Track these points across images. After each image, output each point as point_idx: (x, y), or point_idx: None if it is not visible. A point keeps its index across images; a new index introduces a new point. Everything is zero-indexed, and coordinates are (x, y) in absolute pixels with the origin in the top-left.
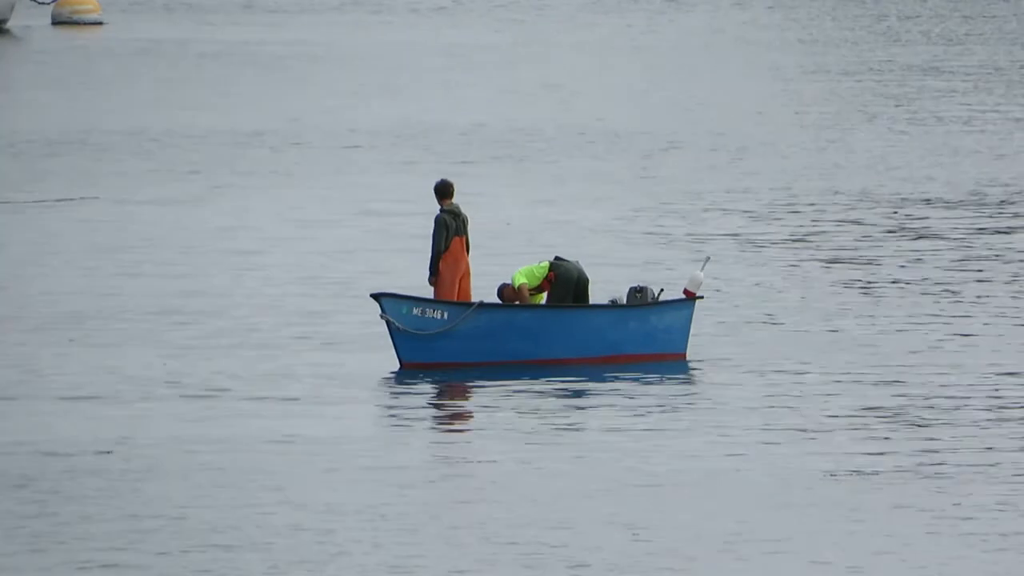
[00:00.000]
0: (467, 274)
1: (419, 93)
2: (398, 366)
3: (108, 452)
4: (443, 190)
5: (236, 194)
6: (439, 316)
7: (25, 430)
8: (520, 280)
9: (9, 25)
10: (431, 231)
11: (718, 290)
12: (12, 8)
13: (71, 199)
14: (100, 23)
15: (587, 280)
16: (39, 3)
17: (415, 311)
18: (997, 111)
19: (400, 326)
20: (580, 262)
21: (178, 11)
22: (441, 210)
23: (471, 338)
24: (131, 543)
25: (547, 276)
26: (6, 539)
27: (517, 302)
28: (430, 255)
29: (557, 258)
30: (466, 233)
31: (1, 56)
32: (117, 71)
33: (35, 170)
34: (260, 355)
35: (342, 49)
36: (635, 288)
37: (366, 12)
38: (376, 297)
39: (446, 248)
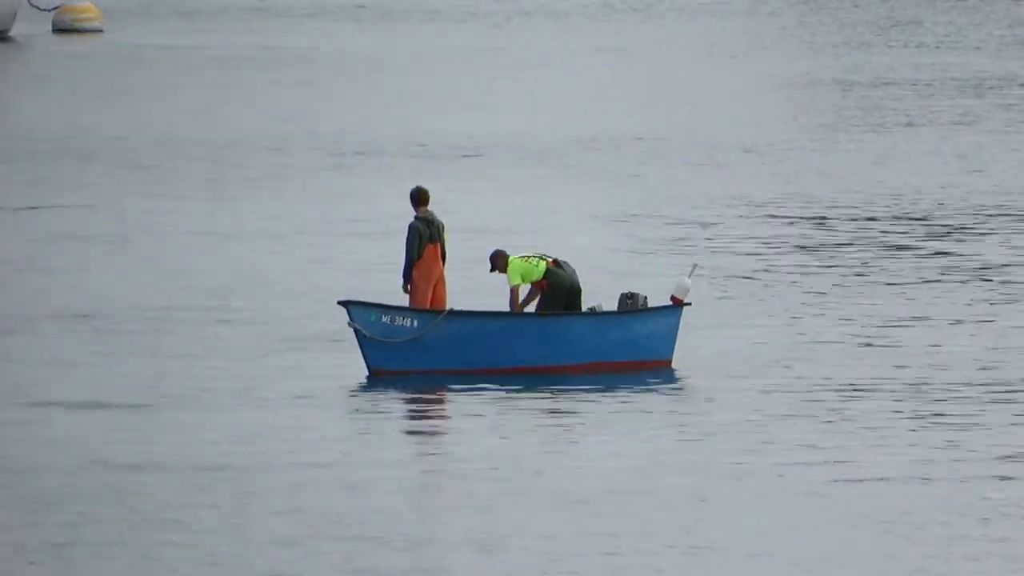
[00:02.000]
0: (441, 281)
1: (409, 101)
2: (367, 374)
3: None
4: (418, 197)
5: (224, 201)
6: (408, 324)
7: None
8: (516, 280)
9: (11, 33)
10: (405, 239)
11: (712, 292)
12: (14, 16)
13: (66, 206)
14: (100, 31)
15: (579, 289)
16: (40, 10)
17: (384, 319)
18: (980, 118)
19: (368, 334)
20: (574, 267)
21: (179, 19)
22: (416, 217)
23: (441, 346)
24: (103, 551)
25: (541, 282)
26: None
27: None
28: (403, 262)
29: (555, 263)
30: (441, 240)
31: (3, 64)
32: (117, 78)
33: (31, 176)
34: (229, 363)
35: (343, 54)
36: (626, 295)
37: (374, 18)
38: (344, 304)
39: (419, 256)
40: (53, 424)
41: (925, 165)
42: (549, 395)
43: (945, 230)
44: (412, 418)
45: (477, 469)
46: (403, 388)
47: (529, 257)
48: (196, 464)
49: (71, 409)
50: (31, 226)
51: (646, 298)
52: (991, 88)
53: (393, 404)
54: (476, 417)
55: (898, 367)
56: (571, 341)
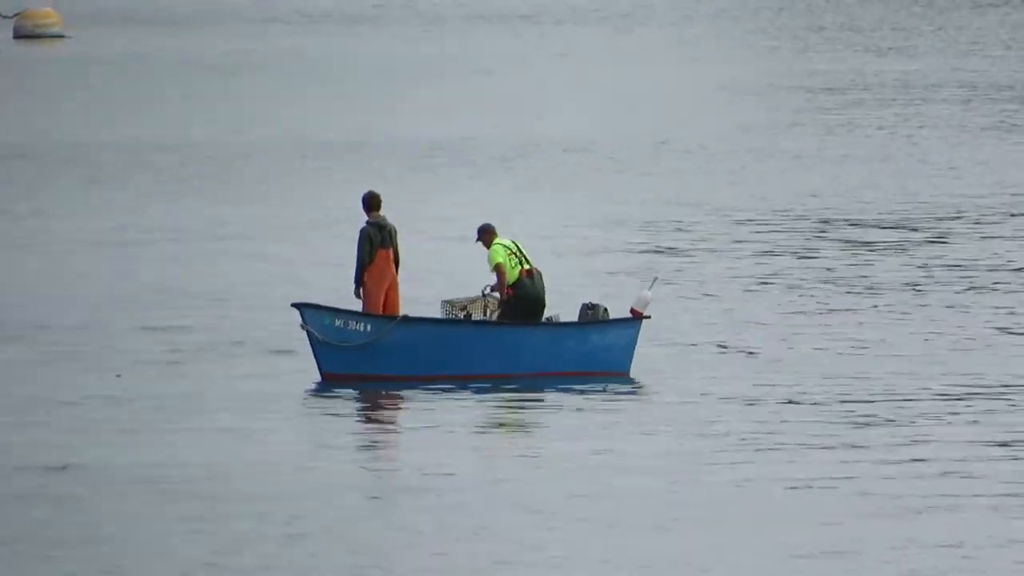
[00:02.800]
0: (394, 286)
1: (375, 105)
2: (318, 378)
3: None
4: (369, 201)
5: (179, 204)
6: (362, 328)
7: None
8: (499, 259)
9: None
10: (356, 244)
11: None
12: None
13: (15, 212)
14: (62, 36)
15: (543, 304)
16: (4, 18)
17: (337, 323)
18: (952, 124)
19: (320, 337)
20: (543, 280)
21: (140, 25)
22: (367, 222)
23: (394, 352)
24: (43, 556)
25: (509, 288)
26: None
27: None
28: (355, 267)
29: (529, 272)
30: (394, 245)
31: None
32: (77, 84)
33: None
34: (177, 368)
35: (306, 60)
36: (587, 305)
37: (337, 24)
38: (297, 307)
39: (371, 260)
40: (5, 430)
41: (888, 170)
42: (504, 403)
43: (909, 234)
44: (364, 424)
45: (430, 476)
46: (355, 393)
47: (512, 253)
48: (146, 470)
49: (18, 416)
50: None
51: (606, 309)
52: (950, 92)
53: (344, 409)
54: (429, 423)
55: (863, 373)
56: (527, 351)
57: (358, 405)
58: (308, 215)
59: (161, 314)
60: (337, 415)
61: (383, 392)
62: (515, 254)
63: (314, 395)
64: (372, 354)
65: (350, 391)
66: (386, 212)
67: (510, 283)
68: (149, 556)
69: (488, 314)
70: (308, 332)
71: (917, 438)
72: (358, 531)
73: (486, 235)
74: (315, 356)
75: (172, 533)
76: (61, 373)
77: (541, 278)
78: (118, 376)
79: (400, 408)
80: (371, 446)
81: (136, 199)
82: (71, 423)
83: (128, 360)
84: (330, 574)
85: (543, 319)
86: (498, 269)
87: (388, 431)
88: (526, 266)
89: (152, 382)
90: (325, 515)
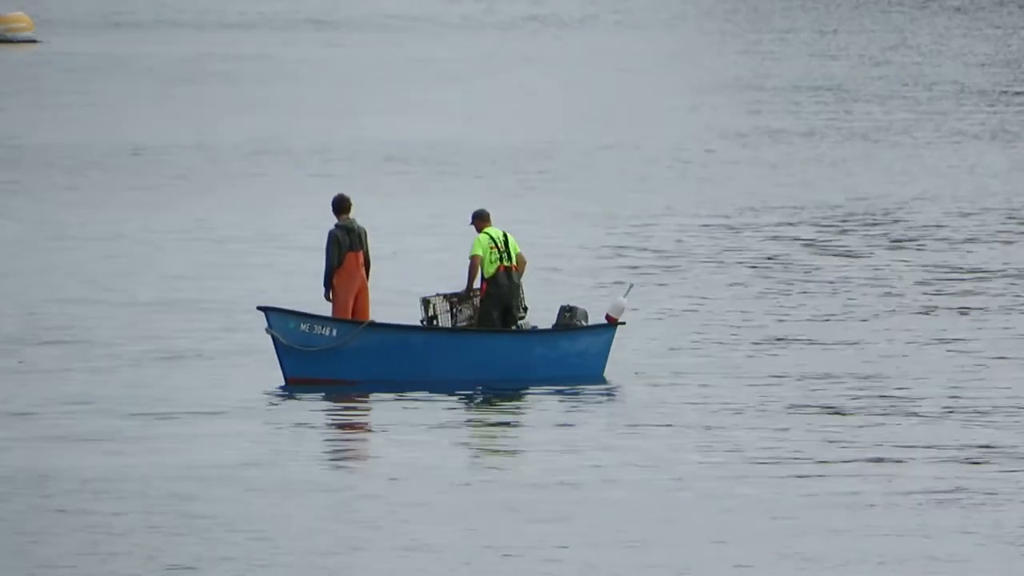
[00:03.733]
0: (364, 290)
1: (357, 109)
2: (282, 383)
3: None
4: (338, 204)
5: (144, 208)
6: (328, 333)
7: None
8: (478, 251)
9: None
10: (324, 247)
11: (637, 309)
12: None
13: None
14: (34, 41)
15: (519, 295)
16: None
17: (303, 327)
18: (930, 126)
19: (284, 341)
20: (520, 274)
21: (111, 29)
22: (336, 225)
23: (360, 357)
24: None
25: (483, 283)
26: None
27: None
28: (324, 271)
29: (507, 270)
30: (364, 248)
31: None
32: (48, 88)
33: None
34: (142, 373)
35: (280, 63)
36: (565, 307)
37: (312, 28)
38: (263, 310)
39: (339, 264)
40: None
41: (864, 172)
42: (472, 408)
43: (888, 236)
44: (328, 428)
45: (395, 480)
46: (319, 397)
47: (495, 247)
48: (108, 476)
49: None
50: None
51: (586, 312)
52: (928, 95)
53: (307, 414)
54: (395, 428)
55: (845, 376)
56: (495, 357)
57: (322, 409)
58: (278, 219)
59: (124, 317)
60: (300, 420)
61: (348, 396)
62: (497, 248)
63: (277, 399)
64: (337, 359)
65: (314, 395)
66: (356, 215)
67: (486, 276)
68: (113, 561)
69: (457, 311)
70: (273, 336)
71: (893, 439)
72: (322, 536)
73: (478, 221)
74: (279, 360)
75: (134, 538)
76: (23, 379)
77: (519, 276)
78: (20, 362)
79: (365, 413)
80: (335, 450)
81: (105, 203)
82: (32, 429)
83: (92, 365)
84: None
85: (518, 320)
86: (472, 260)
87: (353, 436)
88: (505, 263)
89: (116, 386)
90: (288, 519)
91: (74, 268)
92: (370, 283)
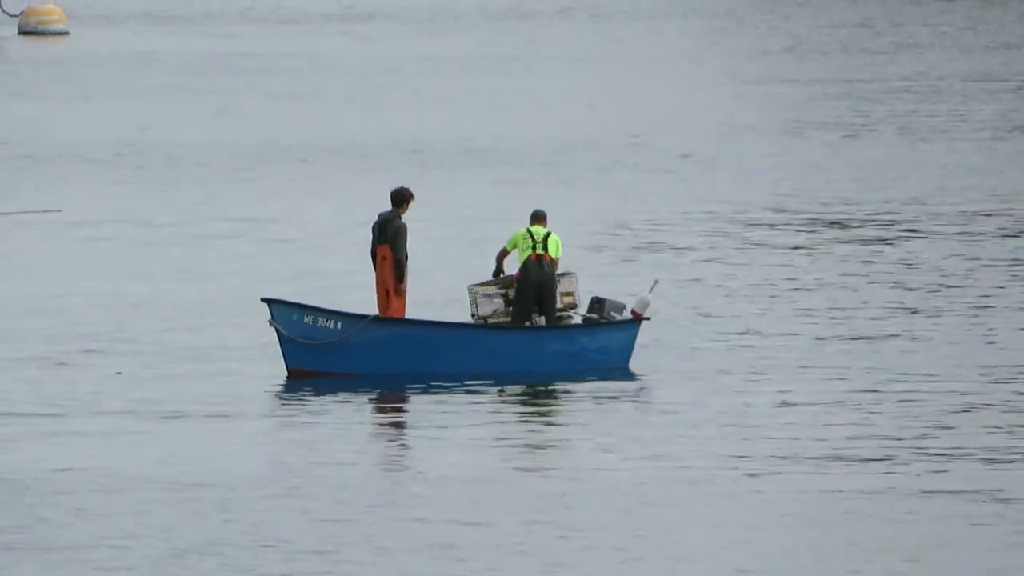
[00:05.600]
0: (389, 288)
1: (373, 105)
2: (285, 375)
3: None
4: (391, 196)
5: (173, 201)
6: (331, 326)
7: None
8: (509, 245)
9: None
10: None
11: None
12: None
13: (34, 211)
14: (66, 33)
15: (551, 284)
16: (7, 14)
17: (306, 319)
18: (947, 120)
19: (286, 333)
20: (553, 264)
21: (143, 22)
22: (379, 215)
23: (365, 350)
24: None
25: (517, 272)
26: None
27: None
28: (396, 262)
29: (538, 256)
30: (390, 243)
31: None
32: (80, 82)
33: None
34: (146, 365)
35: (315, 59)
36: (595, 299)
37: (348, 23)
38: (267, 302)
39: (373, 254)
40: None
41: (881, 170)
42: (482, 403)
43: (901, 233)
44: (331, 421)
45: (403, 472)
46: (322, 390)
47: (529, 237)
48: (112, 472)
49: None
50: None
51: (622, 305)
52: (945, 92)
53: (313, 410)
54: (402, 421)
55: (858, 370)
56: (506, 353)
57: (325, 402)
58: (305, 214)
59: (131, 312)
60: (304, 415)
61: (353, 391)
62: (532, 239)
63: (280, 392)
64: (341, 352)
65: (318, 389)
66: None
67: (520, 265)
68: (113, 557)
69: (495, 297)
70: (276, 328)
71: (924, 434)
72: (325, 528)
73: (532, 219)
74: (282, 352)
75: (139, 533)
76: (25, 376)
77: (552, 266)
78: (118, 373)
79: (372, 408)
80: (340, 443)
81: (134, 195)
82: (37, 427)
83: (97, 361)
84: (298, 572)
85: (555, 309)
86: (501, 250)
87: (362, 432)
88: (538, 251)
89: (118, 381)
90: (291, 511)
91: (88, 259)
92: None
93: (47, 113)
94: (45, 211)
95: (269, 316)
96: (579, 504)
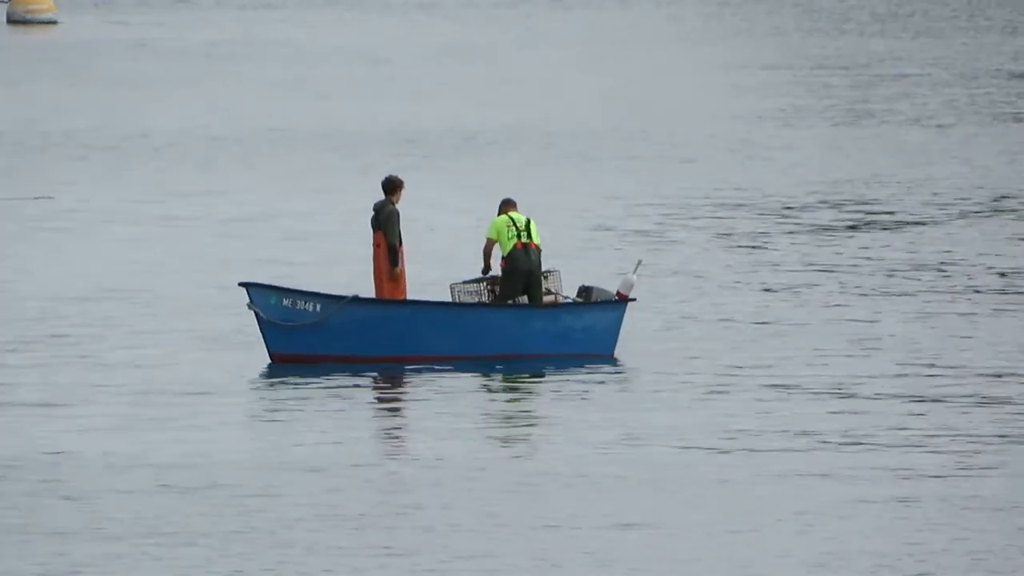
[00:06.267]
0: (382, 274)
1: (366, 94)
2: (268, 359)
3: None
4: (382, 184)
5: (155, 190)
6: (310, 308)
7: None
8: (491, 234)
9: None
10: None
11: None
12: None
13: (26, 198)
14: (54, 22)
15: (537, 275)
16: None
17: (284, 302)
18: (943, 108)
19: (265, 316)
20: (539, 252)
21: (132, 10)
22: (392, 203)
23: (347, 332)
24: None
25: (503, 259)
26: None
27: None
28: (388, 248)
29: (523, 245)
30: (383, 230)
31: None
32: (69, 69)
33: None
34: (127, 351)
35: (303, 47)
36: (583, 287)
37: (339, 8)
38: (244, 286)
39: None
40: None
41: (878, 157)
42: (470, 383)
43: (895, 222)
44: (314, 405)
45: (386, 457)
46: (305, 374)
47: (512, 225)
48: (96, 459)
49: None
50: None
51: (610, 294)
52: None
53: (292, 391)
54: (386, 404)
55: (854, 356)
56: (488, 333)
57: (308, 385)
58: (293, 202)
59: (109, 298)
60: (285, 396)
61: (336, 374)
62: (516, 226)
63: (262, 377)
64: (323, 334)
65: (300, 373)
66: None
67: (504, 255)
68: (98, 541)
69: (481, 295)
70: (255, 312)
71: (903, 422)
72: (311, 512)
73: (502, 207)
74: (263, 337)
75: (123, 518)
76: (7, 363)
77: (539, 254)
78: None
79: (354, 388)
80: (324, 427)
81: (123, 182)
82: (21, 413)
83: (78, 347)
84: (283, 559)
85: (541, 298)
86: (486, 244)
87: (343, 412)
88: (523, 239)
89: (100, 367)
90: (276, 495)
91: (86, 253)
92: (407, 268)
93: (37, 101)
94: (36, 198)
95: (247, 300)
96: (566, 487)
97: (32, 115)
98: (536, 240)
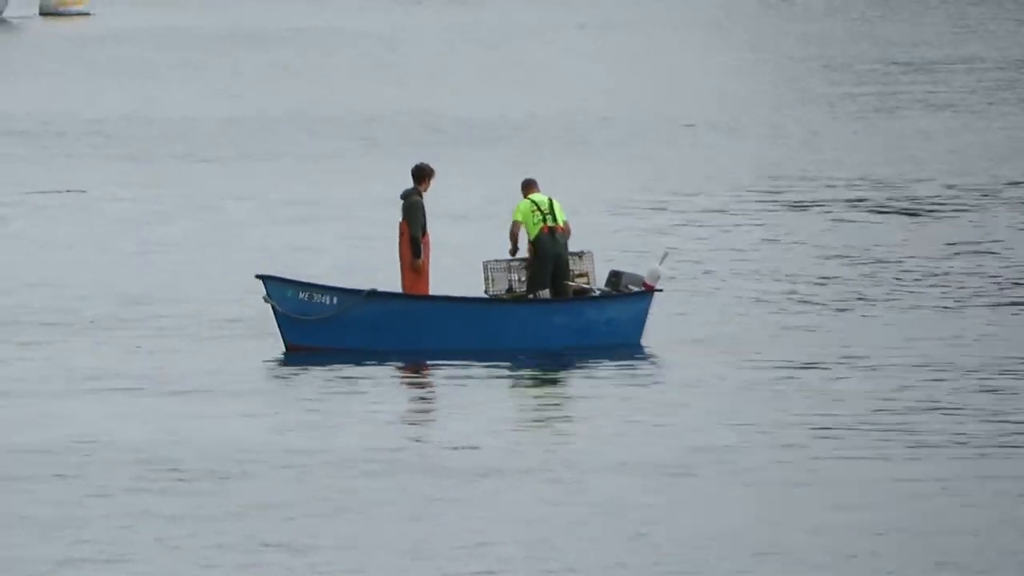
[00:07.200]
0: (405, 264)
1: (404, 80)
2: (283, 350)
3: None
4: (414, 173)
5: (185, 179)
6: (327, 302)
7: None
8: (517, 217)
9: (5, 15)
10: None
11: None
12: (7, 1)
13: (58, 191)
14: (87, 13)
15: (566, 259)
16: None
17: (301, 295)
18: (970, 99)
19: (280, 309)
20: (565, 235)
21: (164, 2)
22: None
23: (363, 326)
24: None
25: (531, 244)
26: None
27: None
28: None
29: (550, 230)
30: (407, 219)
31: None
32: (99, 61)
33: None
34: (144, 339)
35: (334, 34)
36: (613, 272)
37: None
38: (261, 278)
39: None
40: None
41: (910, 148)
42: (488, 378)
43: (927, 213)
44: (330, 397)
45: (401, 450)
46: (321, 366)
47: (536, 209)
48: (109, 448)
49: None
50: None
51: (640, 277)
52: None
53: (308, 382)
54: (406, 398)
55: (871, 347)
56: (509, 328)
57: (324, 378)
58: (323, 191)
59: (129, 290)
60: (300, 388)
61: (352, 365)
62: (540, 210)
63: (278, 367)
64: (340, 327)
65: (316, 363)
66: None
67: (531, 239)
68: (111, 531)
69: (515, 276)
70: (271, 305)
71: (933, 418)
72: (327, 504)
73: (524, 188)
74: (279, 328)
75: (137, 508)
76: (30, 352)
77: (565, 236)
78: (138, 347)
79: (370, 382)
80: (339, 419)
81: (155, 173)
82: (37, 401)
83: (94, 338)
84: (301, 550)
85: (567, 282)
86: (512, 227)
87: (359, 405)
88: (549, 223)
89: (116, 359)
90: (291, 486)
91: (105, 238)
92: (431, 256)
93: (69, 91)
94: (68, 191)
95: (264, 292)
96: (591, 480)
97: (64, 106)
98: (560, 221)
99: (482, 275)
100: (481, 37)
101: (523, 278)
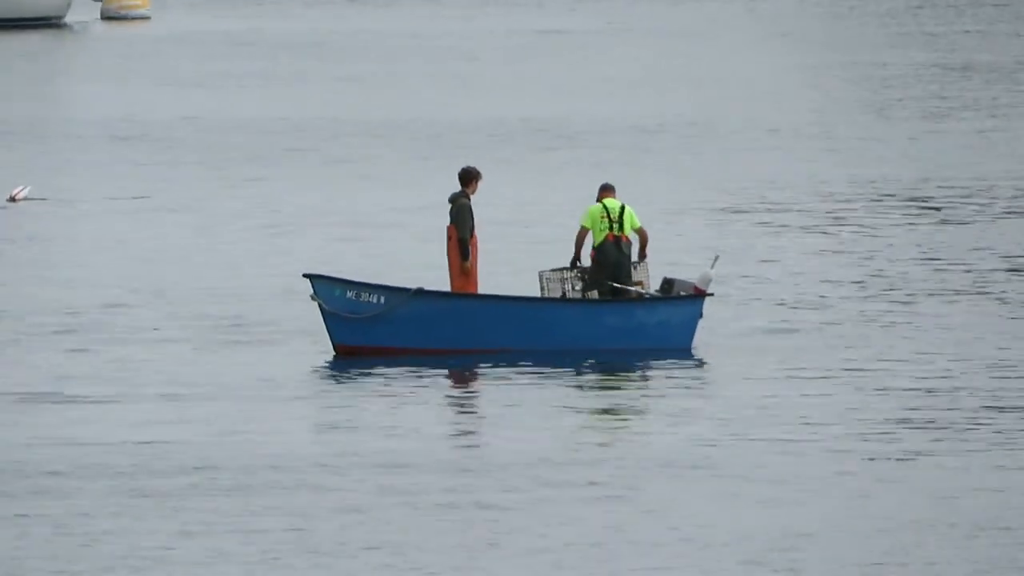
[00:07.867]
0: (454, 268)
1: (435, 87)
2: (332, 351)
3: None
4: (460, 177)
5: (235, 184)
6: (375, 300)
7: None
8: (585, 222)
9: (66, 20)
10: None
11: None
12: (69, 4)
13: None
14: (147, 18)
15: (628, 265)
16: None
17: (349, 294)
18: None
19: (328, 308)
20: (630, 245)
21: (225, 5)
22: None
23: (411, 325)
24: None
25: (593, 250)
26: None
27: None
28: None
29: (615, 238)
30: (456, 223)
31: (57, 49)
32: (161, 64)
33: (57, 160)
34: (190, 347)
35: (394, 39)
36: (666, 280)
37: (430, 3)
38: (308, 277)
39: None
40: (26, 415)
41: (958, 151)
42: (538, 379)
43: (968, 217)
44: (378, 398)
45: (450, 450)
46: (369, 367)
47: (606, 216)
48: (158, 450)
49: (39, 402)
50: (54, 208)
51: (692, 285)
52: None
53: (357, 383)
54: (456, 399)
55: (927, 351)
56: (557, 328)
57: (372, 379)
58: (377, 195)
59: (174, 289)
60: (350, 390)
61: (400, 366)
62: (609, 217)
63: (326, 368)
64: (387, 326)
65: (364, 365)
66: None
67: (595, 245)
68: (159, 537)
69: (571, 285)
70: (319, 304)
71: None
72: (377, 506)
73: (600, 192)
74: (327, 328)
75: (187, 511)
76: (68, 353)
77: (629, 247)
78: (155, 329)
79: (419, 383)
80: (389, 421)
81: (210, 176)
82: (82, 405)
83: (139, 339)
84: (351, 552)
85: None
86: (579, 233)
87: (405, 405)
88: (615, 232)
89: (162, 359)
90: (338, 491)
91: (155, 241)
92: (479, 260)
93: (129, 96)
94: (134, 198)
95: (311, 291)
96: (644, 484)
97: (126, 109)
98: (628, 231)
99: (537, 284)
100: (548, 45)
101: (578, 288)
